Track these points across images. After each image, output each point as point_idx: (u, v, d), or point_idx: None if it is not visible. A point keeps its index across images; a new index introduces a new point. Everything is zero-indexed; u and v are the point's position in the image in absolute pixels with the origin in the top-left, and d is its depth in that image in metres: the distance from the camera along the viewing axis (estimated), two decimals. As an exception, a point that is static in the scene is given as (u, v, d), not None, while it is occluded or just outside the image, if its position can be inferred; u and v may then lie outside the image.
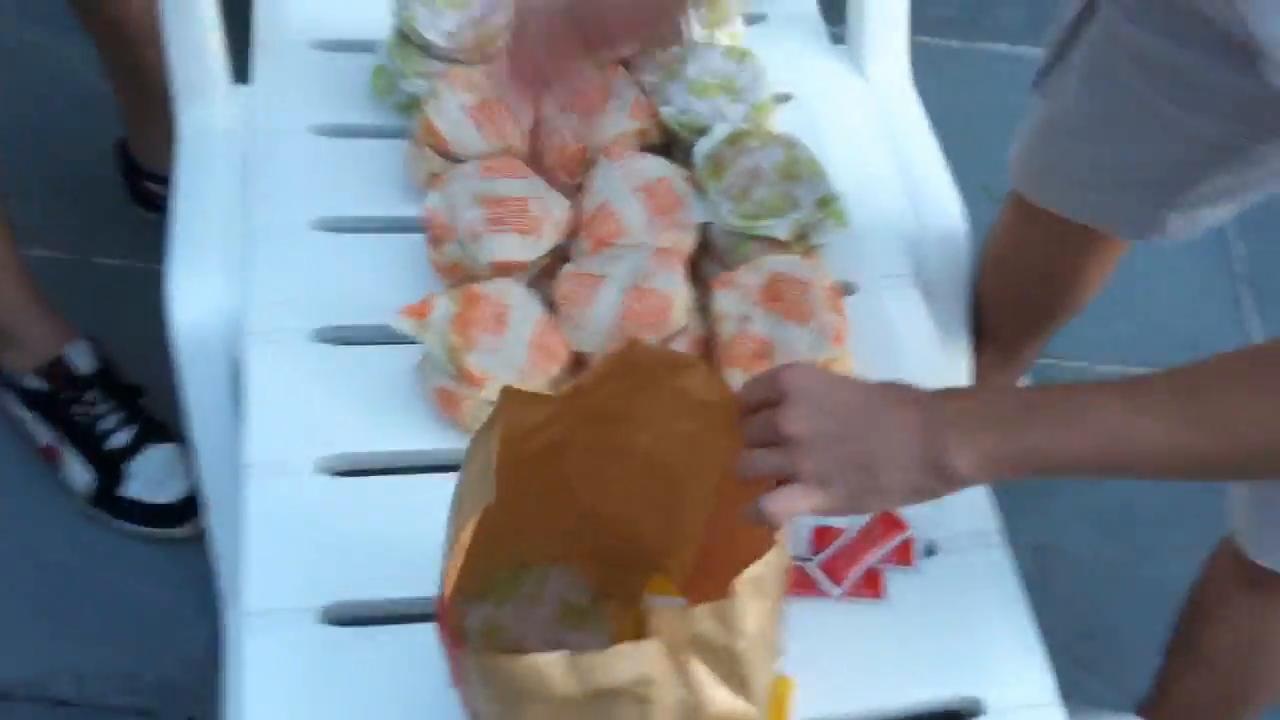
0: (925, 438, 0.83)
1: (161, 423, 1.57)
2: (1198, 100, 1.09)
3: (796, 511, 0.84)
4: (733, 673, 0.79)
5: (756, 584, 0.79)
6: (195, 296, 1.21)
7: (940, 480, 0.83)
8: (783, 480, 0.84)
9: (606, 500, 0.97)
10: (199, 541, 1.38)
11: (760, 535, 0.83)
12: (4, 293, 1.50)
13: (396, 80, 1.33)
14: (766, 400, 0.86)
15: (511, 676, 0.77)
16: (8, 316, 1.52)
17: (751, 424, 0.87)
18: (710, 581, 0.81)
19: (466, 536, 0.81)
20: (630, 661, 0.76)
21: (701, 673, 0.78)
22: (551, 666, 0.75)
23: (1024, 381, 1.62)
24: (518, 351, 1.09)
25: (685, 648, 0.77)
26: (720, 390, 0.91)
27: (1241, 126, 1.10)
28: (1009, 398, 0.88)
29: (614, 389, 0.92)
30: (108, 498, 1.55)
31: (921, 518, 1.08)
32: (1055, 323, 1.48)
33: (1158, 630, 1.34)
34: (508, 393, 0.88)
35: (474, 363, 1.08)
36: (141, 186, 1.81)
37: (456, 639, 0.82)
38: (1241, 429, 0.79)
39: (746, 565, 0.79)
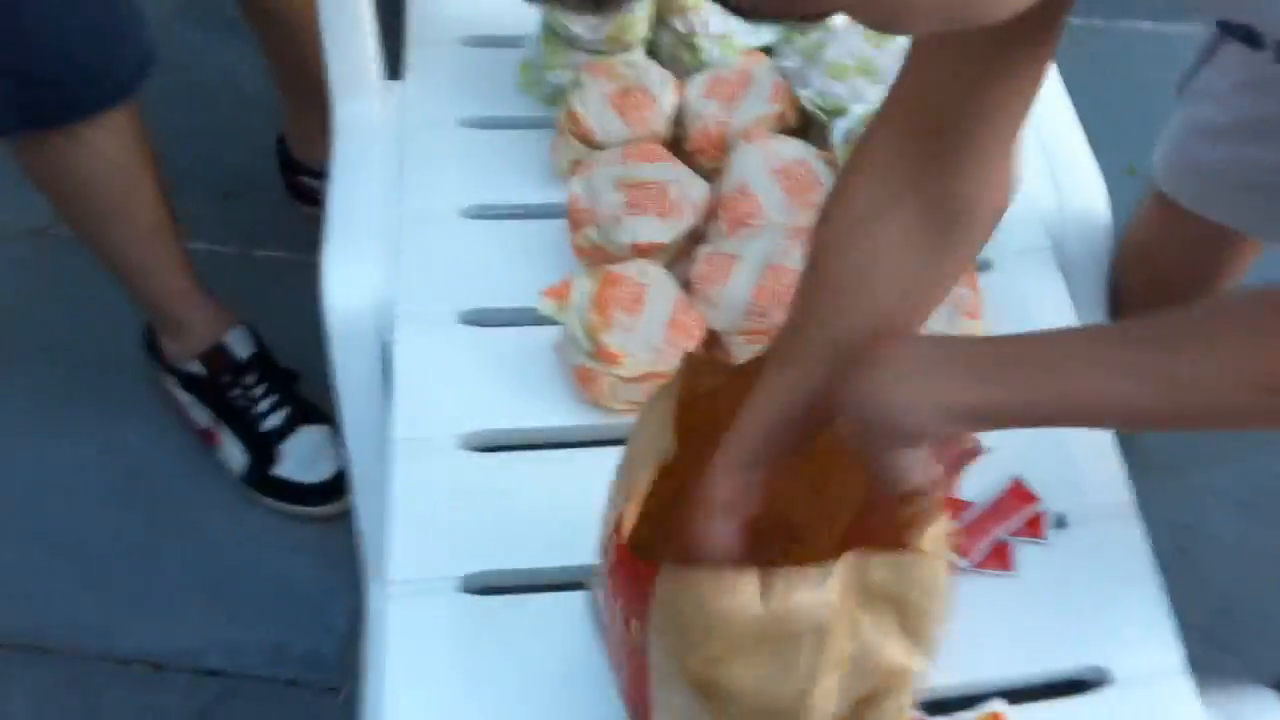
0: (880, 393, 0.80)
1: (314, 406, 1.62)
2: None
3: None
4: (908, 624, 0.81)
5: (933, 542, 0.80)
6: (349, 280, 1.26)
7: (892, 432, 0.81)
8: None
9: None
10: (346, 520, 1.43)
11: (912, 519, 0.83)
12: (170, 283, 1.57)
13: (542, 73, 1.37)
14: None
15: (702, 596, 0.77)
16: (173, 305, 1.59)
17: None
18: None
19: (643, 484, 0.83)
20: (817, 586, 0.77)
21: (876, 620, 0.80)
22: (745, 584, 0.76)
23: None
24: (654, 330, 1.12)
25: (863, 593, 0.79)
26: None
27: None
28: (967, 346, 0.84)
29: None
30: (261, 477, 1.61)
31: (1052, 490, 1.09)
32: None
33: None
34: (689, 358, 0.90)
35: (611, 341, 1.11)
36: (299, 182, 1.87)
37: (644, 565, 0.82)
38: (1186, 390, 0.75)
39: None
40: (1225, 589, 1.53)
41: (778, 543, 0.99)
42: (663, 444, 0.84)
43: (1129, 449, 1.14)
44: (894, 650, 0.82)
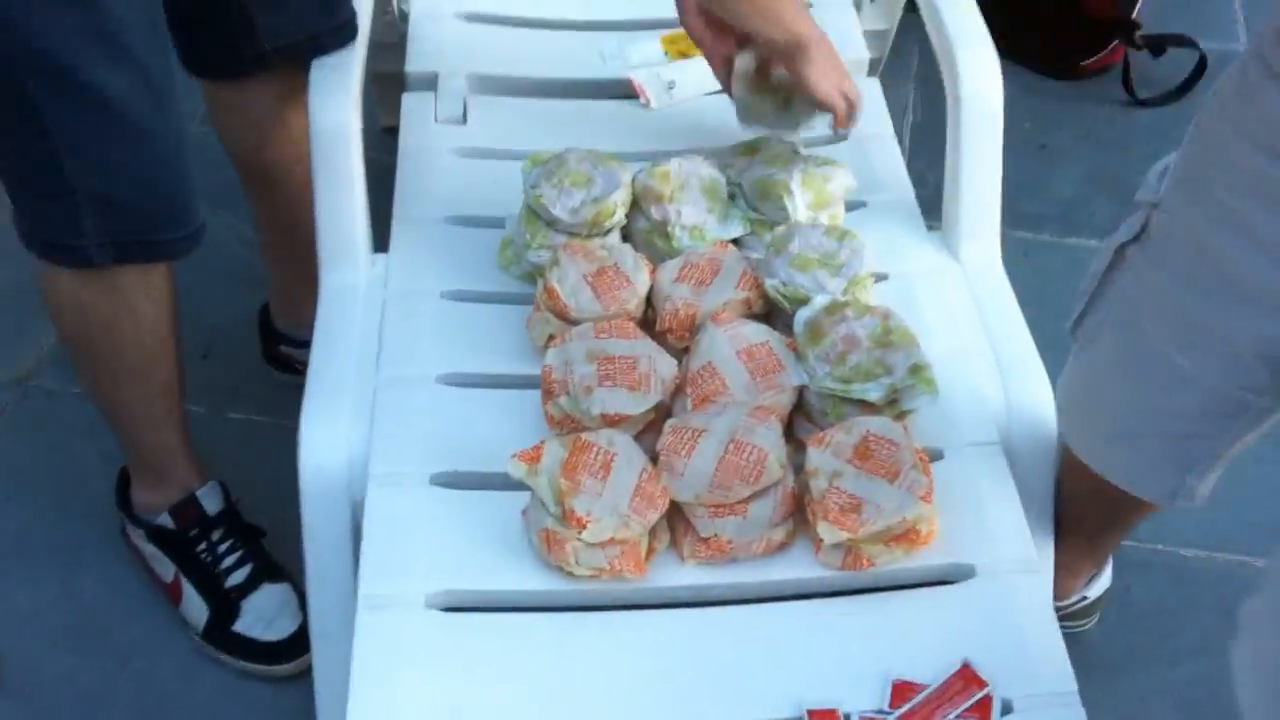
0: None
1: (277, 564, 1.64)
2: (1208, 348, 1.14)
3: None
4: None
5: None
6: (325, 438, 1.29)
7: None
8: None
9: None
10: (302, 680, 1.44)
11: None
12: (164, 439, 1.59)
13: (522, 251, 1.43)
14: None
15: None
16: (160, 459, 1.61)
17: None
18: None
19: None
20: None
21: None
22: None
23: (1107, 567, 1.64)
24: (620, 497, 1.15)
25: None
26: None
27: (1251, 379, 1.14)
28: None
29: None
30: (221, 632, 1.61)
31: (1000, 676, 1.10)
32: (1135, 515, 1.48)
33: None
34: None
35: (578, 505, 1.14)
36: (277, 351, 1.91)
37: None
38: None
39: None
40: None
41: None
42: None
43: (1074, 646, 1.17)
44: None
